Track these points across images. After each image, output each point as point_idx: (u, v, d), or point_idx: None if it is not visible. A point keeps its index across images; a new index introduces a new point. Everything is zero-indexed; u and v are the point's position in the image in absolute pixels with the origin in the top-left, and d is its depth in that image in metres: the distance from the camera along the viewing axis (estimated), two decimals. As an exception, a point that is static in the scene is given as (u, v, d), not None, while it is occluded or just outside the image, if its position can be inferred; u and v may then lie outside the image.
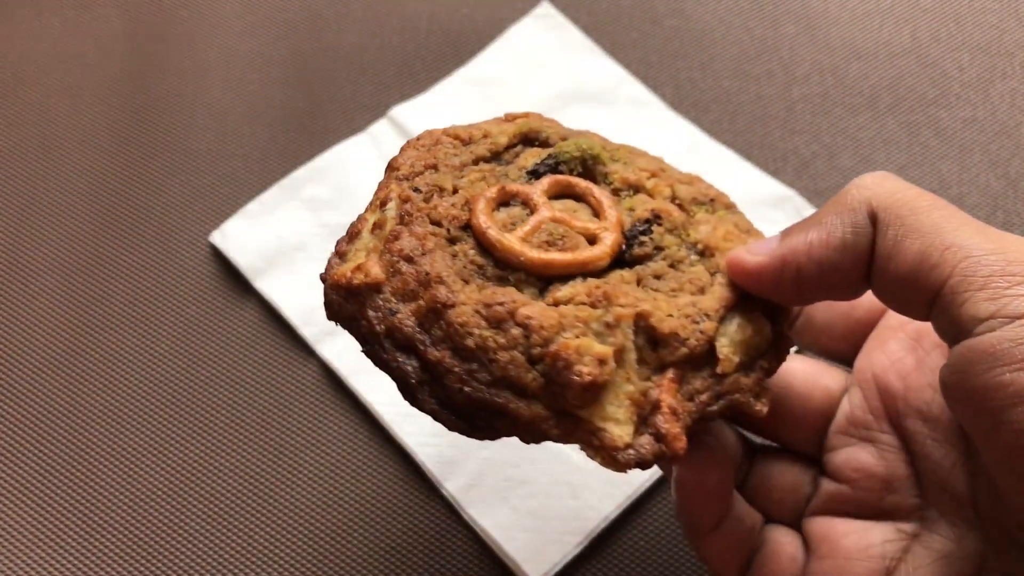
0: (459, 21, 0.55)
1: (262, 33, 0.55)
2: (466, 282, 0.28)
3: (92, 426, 0.43)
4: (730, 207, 0.32)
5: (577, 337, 0.26)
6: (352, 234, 0.31)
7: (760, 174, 0.49)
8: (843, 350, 0.33)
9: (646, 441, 0.27)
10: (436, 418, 0.27)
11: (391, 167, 0.31)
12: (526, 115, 0.34)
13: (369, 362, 0.45)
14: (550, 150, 0.32)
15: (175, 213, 0.49)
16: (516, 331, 0.27)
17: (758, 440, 0.35)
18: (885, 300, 0.27)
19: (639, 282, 0.29)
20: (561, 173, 0.31)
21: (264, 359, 0.45)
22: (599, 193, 0.31)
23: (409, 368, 0.27)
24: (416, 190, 0.30)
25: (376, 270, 0.28)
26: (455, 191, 0.30)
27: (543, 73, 0.53)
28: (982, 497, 0.28)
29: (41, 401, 0.44)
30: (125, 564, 0.40)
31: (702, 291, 0.29)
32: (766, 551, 0.32)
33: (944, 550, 0.29)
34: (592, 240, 0.29)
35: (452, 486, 0.41)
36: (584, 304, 0.27)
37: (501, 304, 0.27)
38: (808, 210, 0.48)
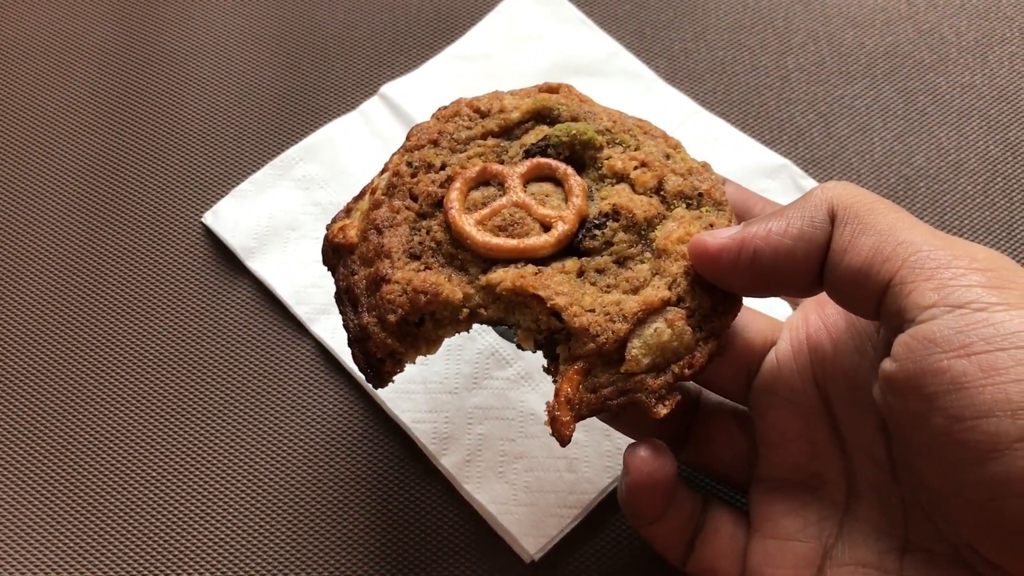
0: (450, -4, 0.55)
1: (252, 13, 0.55)
2: (416, 258, 0.31)
3: (86, 406, 0.43)
4: (720, 204, 0.32)
5: None
6: (360, 193, 0.34)
7: (756, 144, 0.48)
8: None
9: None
10: (358, 366, 0.31)
11: (408, 135, 0.34)
12: (559, 87, 0.35)
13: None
14: (546, 131, 0.34)
15: (167, 194, 0.49)
16: None
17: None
18: (836, 296, 0.29)
19: (581, 272, 0.31)
20: (549, 156, 0.33)
21: (258, 338, 0.45)
22: (574, 181, 0.32)
23: (351, 324, 0.31)
24: (409, 164, 0.33)
25: (352, 233, 0.32)
26: (442, 167, 0.33)
27: (535, 47, 0.52)
28: (902, 472, 0.29)
29: (35, 382, 0.44)
30: (122, 543, 0.40)
31: (636, 291, 0.30)
32: (707, 530, 0.33)
33: (874, 522, 0.30)
34: (547, 227, 0.31)
35: (448, 462, 0.40)
36: None
37: (424, 292, 0.30)
38: (804, 179, 0.47)
